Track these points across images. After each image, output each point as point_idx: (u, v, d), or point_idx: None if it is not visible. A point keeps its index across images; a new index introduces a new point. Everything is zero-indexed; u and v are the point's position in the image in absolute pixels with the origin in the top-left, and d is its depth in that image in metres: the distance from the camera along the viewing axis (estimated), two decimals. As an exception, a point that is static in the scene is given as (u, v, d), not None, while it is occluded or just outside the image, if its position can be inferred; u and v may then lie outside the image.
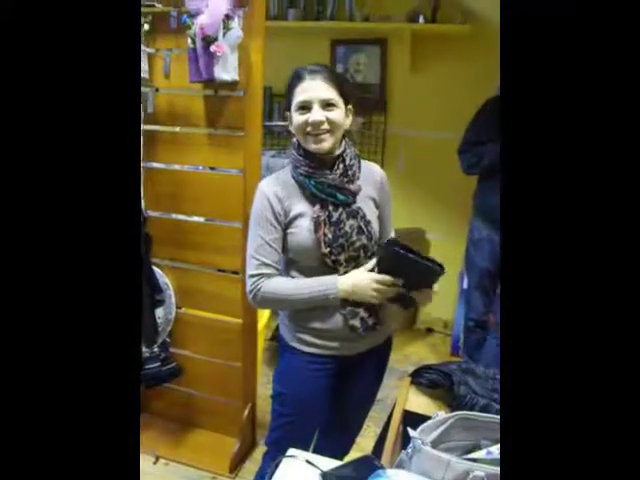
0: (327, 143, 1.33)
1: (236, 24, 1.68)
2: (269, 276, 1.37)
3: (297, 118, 1.33)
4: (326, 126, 1.31)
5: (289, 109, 1.37)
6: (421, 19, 2.97)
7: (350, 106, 1.38)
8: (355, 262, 1.37)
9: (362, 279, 1.30)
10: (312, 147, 1.33)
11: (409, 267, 1.25)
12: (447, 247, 3.31)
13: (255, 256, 1.38)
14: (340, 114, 1.34)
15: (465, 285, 2.82)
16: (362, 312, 1.37)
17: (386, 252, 1.28)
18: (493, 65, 2.87)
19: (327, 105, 1.31)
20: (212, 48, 1.65)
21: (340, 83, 1.35)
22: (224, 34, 1.66)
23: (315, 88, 1.31)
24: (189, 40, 1.70)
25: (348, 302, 1.35)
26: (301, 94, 1.32)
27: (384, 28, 3.09)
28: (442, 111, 3.13)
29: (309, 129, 1.31)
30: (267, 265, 1.37)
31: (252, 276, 1.38)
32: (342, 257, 1.34)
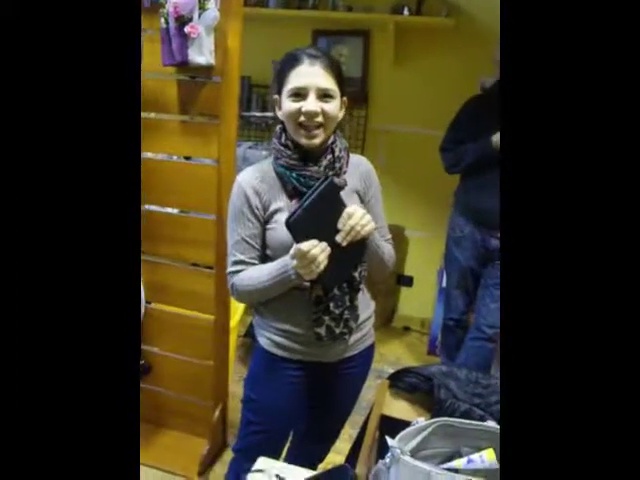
0: (319, 139, 1.24)
1: (212, 4, 1.59)
2: (243, 271, 1.31)
3: (289, 105, 1.22)
4: (320, 118, 1.22)
5: (279, 93, 1.26)
6: (405, 11, 2.92)
7: (345, 98, 1.29)
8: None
9: (308, 244, 1.16)
10: (303, 141, 1.24)
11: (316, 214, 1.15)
12: (426, 244, 3.28)
13: (232, 252, 1.33)
14: (336, 106, 1.24)
15: (444, 283, 2.78)
16: (328, 320, 1.29)
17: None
18: (477, 60, 2.86)
19: (324, 95, 1.21)
20: (186, 29, 1.56)
21: (339, 72, 1.25)
22: (199, 15, 1.57)
23: (313, 75, 1.20)
24: (162, 20, 1.61)
25: (317, 307, 1.28)
26: (297, 79, 1.21)
27: (367, 19, 3.03)
28: (425, 106, 3.08)
29: (302, 119, 1.21)
30: (242, 262, 1.31)
31: (228, 273, 1.34)
32: None
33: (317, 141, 1.24)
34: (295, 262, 1.18)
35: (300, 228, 1.15)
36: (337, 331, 1.30)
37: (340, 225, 1.18)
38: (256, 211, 1.29)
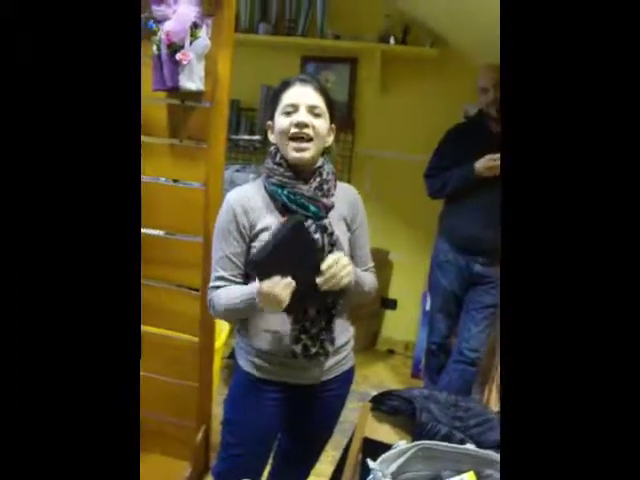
0: (308, 153, 1.29)
1: (204, 33, 1.64)
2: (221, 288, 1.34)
3: (282, 121, 1.29)
4: (310, 131, 1.28)
5: (272, 118, 1.34)
6: (391, 40, 2.99)
7: (333, 125, 1.37)
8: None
9: (269, 283, 1.18)
10: (293, 155, 1.29)
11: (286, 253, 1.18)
12: (410, 268, 3.31)
13: (215, 268, 1.35)
14: (325, 124, 1.32)
15: (428, 307, 2.81)
16: (305, 338, 1.31)
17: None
18: (460, 88, 2.94)
19: (314, 113, 1.29)
20: (178, 56, 1.60)
21: (328, 97, 1.34)
22: (191, 42, 1.61)
23: (304, 94, 1.29)
24: (154, 47, 1.65)
25: (294, 325, 1.30)
26: (289, 98, 1.30)
27: (355, 47, 3.10)
28: (410, 132, 3.14)
29: (293, 130, 1.27)
30: (223, 278, 1.34)
31: (209, 288, 1.37)
32: None
33: (307, 155, 1.29)
34: (257, 297, 1.21)
35: (263, 270, 1.19)
36: (313, 350, 1.32)
37: (324, 267, 1.21)
38: (242, 230, 1.32)
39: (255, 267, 1.19)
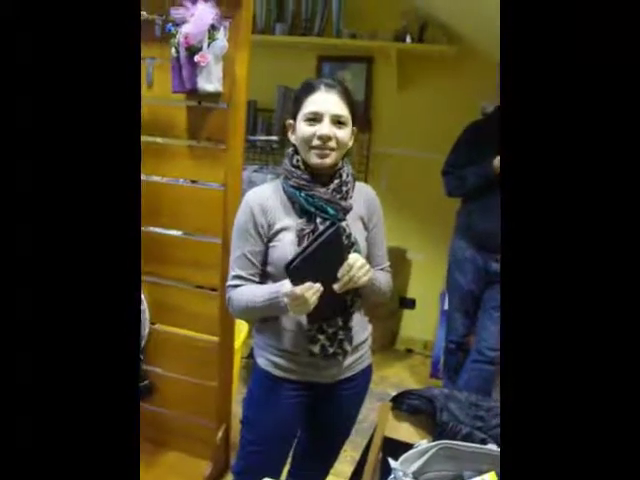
0: (329, 160, 1.29)
1: (221, 35, 1.64)
2: (241, 287, 1.35)
3: (305, 129, 1.28)
4: (333, 143, 1.28)
5: (294, 118, 1.33)
6: (408, 39, 2.98)
7: (355, 127, 1.35)
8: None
9: (303, 287, 1.19)
10: (315, 161, 1.29)
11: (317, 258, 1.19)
12: (429, 267, 3.30)
13: (233, 267, 1.37)
14: (348, 133, 1.31)
15: (446, 306, 2.79)
16: (323, 339, 1.32)
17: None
18: (477, 85, 2.92)
19: (337, 122, 1.28)
20: (196, 58, 1.61)
21: (352, 101, 1.32)
22: (209, 44, 1.62)
23: (329, 101, 1.28)
24: (173, 49, 1.66)
25: (311, 325, 1.31)
26: (313, 104, 1.28)
27: (371, 46, 3.09)
28: (427, 131, 3.13)
29: (316, 142, 1.27)
30: (241, 277, 1.35)
31: (227, 286, 1.38)
32: None
33: (328, 161, 1.29)
34: (287, 299, 1.21)
35: (299, 274, 1.19)
36: (331, 350, 1.33)
37: (340, 274, 1.22)
38: (260, 229, 1.33)
39: (291, 271, 1.19)
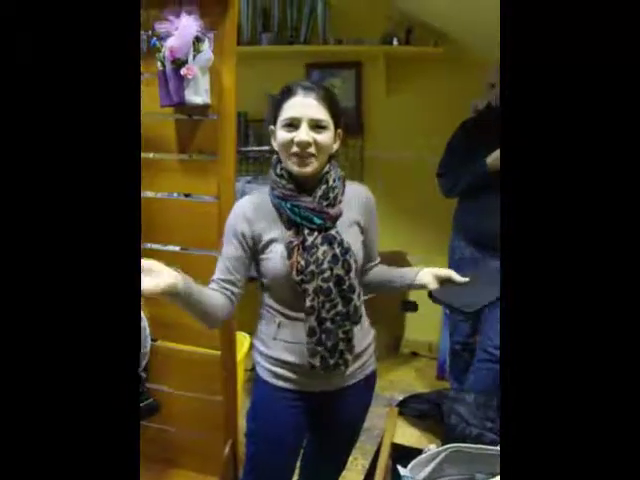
0: (310, 167, 1.25)
1: (207, 46, 1.63)
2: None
3: (283, 135, 1.25)
4: (312, 149, 1.23)
5: (274, 123, 1.30)
6: (395, 41, 2.98)
7: (340, 130, 1.31)
8: (325, 296, 1.26)
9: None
10: (295, 169, 1.26)
11: None
12: (429, 269, 3.27)
13: (215, 270, 1.35)
14: (329, 137, 1.26)
15: (449, 307, 2.77)
16: (322, 351, 1.28)
17: None
18: (466, 84, 2.91)
19: (316, 126, 1.24)
20: (182, 71, 1.60)
21: (333, 104, 1.28)
22: (194, 56, 1.61)
23: (306, 106, 1.23)
24: (159, 63, 1.65)
25: (310, 338, 1.28)
26: (290, 110, 1.24)
27: (358, 51, 3.09)
28: (419, 132, 3.12)
29: (294, 149, 1.23)
30: (213, 281, 1.33)
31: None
32: (310, 287, 1.25)
33: (309, 169, 1.25)
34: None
35: None
36: (331, 362, 1.29)
37: None
38: (241, 237, 1.31)
39: None
